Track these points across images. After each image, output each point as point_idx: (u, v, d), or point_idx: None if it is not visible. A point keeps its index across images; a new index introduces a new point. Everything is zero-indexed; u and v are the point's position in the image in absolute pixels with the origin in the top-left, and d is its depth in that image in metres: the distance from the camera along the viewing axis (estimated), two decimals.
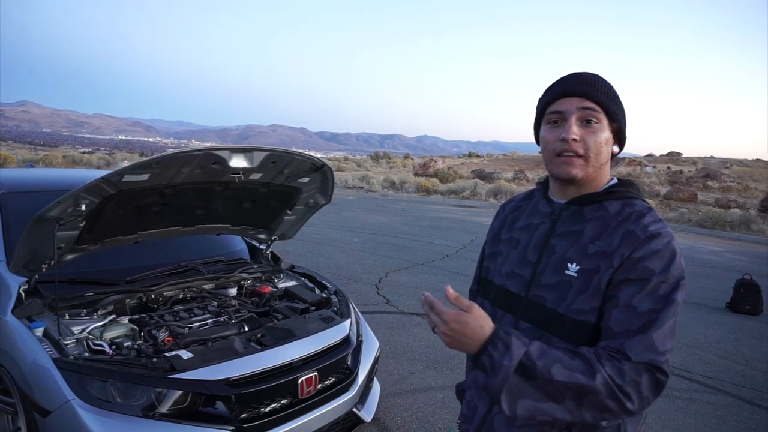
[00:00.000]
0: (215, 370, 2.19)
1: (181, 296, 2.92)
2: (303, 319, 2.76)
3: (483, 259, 1.46)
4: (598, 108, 1.17)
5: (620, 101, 1.22)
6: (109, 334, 2.43)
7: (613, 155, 1.23)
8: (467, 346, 1.08)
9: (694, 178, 29.22)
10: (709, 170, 31.48)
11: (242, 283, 3.24)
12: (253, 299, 3.10)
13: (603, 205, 1.20)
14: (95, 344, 2.30)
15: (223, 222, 3.20)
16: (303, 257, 7.51)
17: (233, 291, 3.17)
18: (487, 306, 1.34)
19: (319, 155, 3.51)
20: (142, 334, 2.49)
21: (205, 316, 2.72)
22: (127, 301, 2.69)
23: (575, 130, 1.16)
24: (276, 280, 3.39)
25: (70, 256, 2.59)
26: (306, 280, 3.49)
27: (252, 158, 2.58)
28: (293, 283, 3.41)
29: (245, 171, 2.64)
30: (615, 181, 1.26)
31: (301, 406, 2.41)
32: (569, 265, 1.17)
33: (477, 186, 23.40)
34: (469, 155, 52.07)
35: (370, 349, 3.00)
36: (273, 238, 3.51)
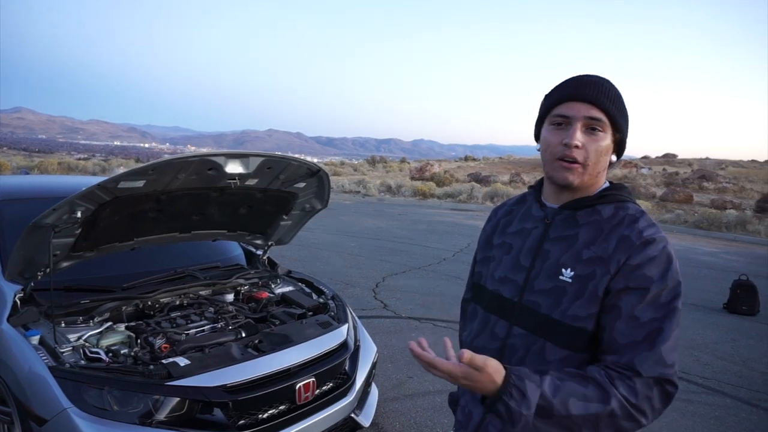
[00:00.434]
0: (212, 376, 2.18)
1: (177, 303, 2.91)
2: (300, 325, 2.76)
3: (475, 264, 1.45)
4: (604, 118, 1.15)
5: (626, 110, 1.21)
6: (105, 342, 2.42)
7: (611, 163, 1.23)
8: (477, 392, 1.08)
9: (689, 179, 29.33)
10: (705, 171, 31.60)
11: (239, 288, 3.23)
12: (250, 305, 3.09)
13: (596, 209, 1.20)
14: (92, 352, 2.29)
15: (220, 228, 3.20)
16: (300, 262, 7.50)
17: (230, 297, 3.16)
18: (480, 311, 1.34)
19: (315, 160, 3.51)
20: (138, 341, 2.48)
21: (202, 323, 2.71)
22: (124, 308, 2.68)
23: (579, 137, 1.15)
24: (273, 286, 3.38)
25: (65, 264, 2.58)
26: (303, 286, 3.48)
27: (248, 164, 2.58)
28: (290, 288, 3.41)
29: (241, 177, 2.63)
30: (607, 184, 1.26)
31: (298, 411, 2.40)
32: (564, 270, 1.17)
33: (473, 189, 23.42)
34: (466, 159, 52.16)
35: (368, 354, 3.00)
36: (269, 243, 3.50)
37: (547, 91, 1.26)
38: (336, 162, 51.28)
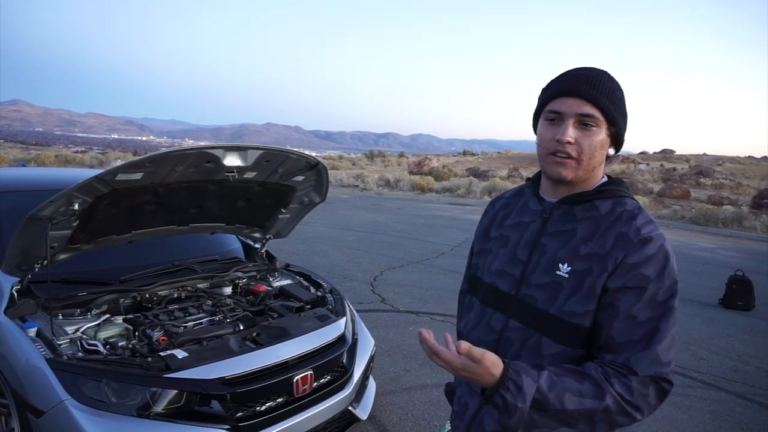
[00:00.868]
0: (210, 369, 2.19)
1: (175, 295, 2.91)
2: (298, 318, 2.76)
3: (472, 256, 1.46)
4: (597, 113, 1.14)
5: (623, 103, 1.19)
6: (103, 334, 2.42)
7: (609, 157, 1.22)
8: (475, 384, 1.11)
9: (687, 175, 29.37)
10: (702, 167, 31.65)
11: (237, 281, 3.23)
12: (248, 298, 3.09)
13: (594, 204, 1.20)
14: (89, 344, 2.29)
15: (218, 221, 3.19)
16: (298, 256, 7.50)
17: (228, 290, 3.16)
18: (477, 303, 1.34)
19: (313, 154, 3.50)
20: (136, 333, 2.48)
21: (199, 315, 2.71)
22: (121, 300, 2.68)
23: (571, 133, 1.14)
24: (271, 279, 3.38)
25: (63, 256, 2.57)
26: (301, 279, 3.48)
27: (246, 157, 2.57)
28: (288, 281, 3.41)
29: (239, 170, 2.63)
30: (605, 179, 1.25)
31: (296, 404, 2.41)
32: (560, 265, 1.17)
33: (472, 184, 23.42)
34: (464, 153, 52.13)
35: (366, 348, 3.00)
36: (268, 236, 3.50)
37: (544, 85, 1.25)
38: (334, 156, 51.20)
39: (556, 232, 1.21)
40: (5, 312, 2.33)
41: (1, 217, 2.92)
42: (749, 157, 47.04)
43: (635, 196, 1.26)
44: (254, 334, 2.53)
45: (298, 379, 2.40)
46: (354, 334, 2.96)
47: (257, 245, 3.65)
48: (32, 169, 4.60)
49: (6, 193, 3.15)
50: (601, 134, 1.16)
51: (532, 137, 1.28)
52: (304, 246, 8.41)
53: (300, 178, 2.97)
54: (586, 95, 1.14)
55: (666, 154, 46.92)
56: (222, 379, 2.19)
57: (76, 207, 2.27)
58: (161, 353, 2.25)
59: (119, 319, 2.56)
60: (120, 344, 2.37)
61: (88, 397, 2.03)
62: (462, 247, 9.52)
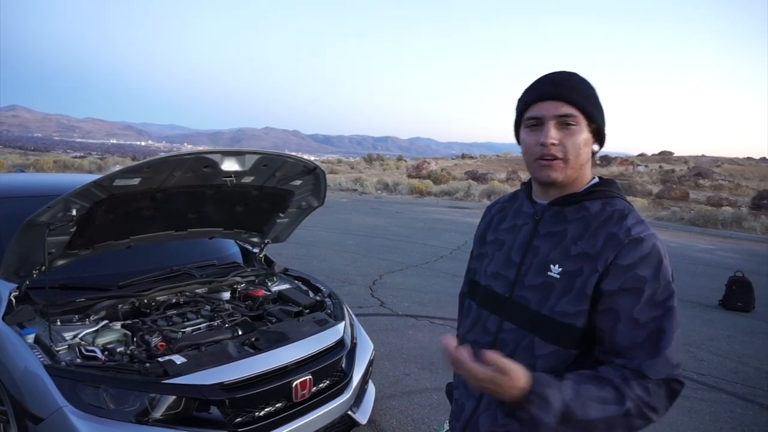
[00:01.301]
0: (209, 374, 2.18)
1: (174, 301, 2.90)
2: (297, 323, 2.75)
3: (471, 260, 1.48)
4: (575, 111, 1.16)
5: (597, 99, 1.21)
6: (101, 340, 2.41)
7: (594, 153, 1.24)
8: (498, 397, 1.07)
9: (686, 176, 29.41)
10: (701, 169, 31.70)
11: (235, 286, 3.22)
12: (246, 303, 3.08)
13: (584, 205, 1.21)
14: (87, 350, 2.28)
15: (216, 226, 3.19)
16: (296, 260, 7.50)
17: (226, 295, 3.15)
18: (474, 306, 1.36)
19: (312, 158, 3.50)
20: (134, 339, 2.47)
21: (198, 321, 2.71)
22: (120, 306, 2.67)
23: (553, 134, 1.16)
24: (269, 284, 3.37)
25: (61, 262, 2.57)
26: (300, 283, 3.48)
27: (244, 161, 2.57)
28: (287, 286, 3.40)
29: (237, 174, 2.63)
30: (596, 180, 1.27)
31: (295, 409, 2.40)
32: (552, 266, 1.18)
33: (470, 187, 23.44)
34: (463, 156, 52.17)
35: (365, 352, 3.00)
36: (266, 241, 3.50)
37: (518, 96, 1.28)
38: (333, 160, 51.21)
39: (548, 233, 1.23)
40: (3, 318, 2.32)
41: None
42: (748, 158, 47.12)
43: (635, 199, 1.27)
44: (253, 339, 2.52)
45: (297, 384, 2.39)
46: (353, 338, 2.95)
47: (256, 250, 3.65)
48: (30, 174, 4.60)
49: (4, 199, 3.15)
50: (583, 132, 1.18)
51: None
52: (303, 250, 8.41)
53: (298, 182, 2.97)
54: (562, 96, 1.16)
55: (665, 156, 47.01)
56: (221, 384, 2.18)
57: (74, 212, 2.26)
58: (159, 359, 2.25)
59: (117, 325, 2.56)
60: (118, 350, 2.37)
61: (87, 403, 2.02)
62: (461, 250, 9.52)
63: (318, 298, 3.25)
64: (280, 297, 3.20)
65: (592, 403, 1.05)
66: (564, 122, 1.16)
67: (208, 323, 2.70)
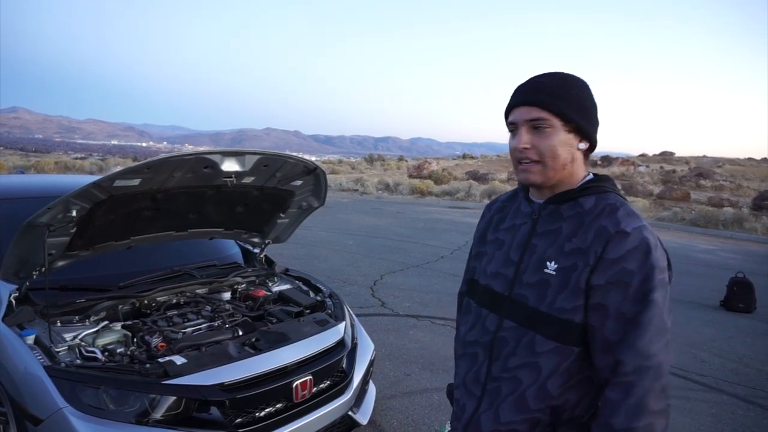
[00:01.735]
0: (209, 375, 2.18)
1: (174, 301, 2.90)
2: (297, 323, 2.75)
3: (470, 259, 1.49)
4: (544, 114, 1.18)
5: (579, 98, 1.21)
6: (101, 341, 2.41)
7: (588, 151, 1.25)
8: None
9: (687, 177, 29.38)
10: (702, 169, 31.66)
11: (236, 287, 3.22)
12: (247, 303, 3.08)
13: (578, 201, 1.22)
14: (87, 351, 2.28)
15: (216, 226, 3.19)
16: (297, 260, 7.49)
17: (227, 295, 3.15)
18: (473, 305, 1.37)
19: (313, 158, 3.50)
20: (135, 340, 2.47)
21: (198, 321, 2.70)
22: (120, 306, 2.67)
23: (525, 139, 1.20)
24: (270, 284, 3.37)
25: (61, 263, 2.56)
26: (300, 284, 3.47)
27: (244, 162, 2.57)
28: (287, 286, 3.40)
29: (237, 175, 2.63)
30: (591, 176, 1.28)
31: (296, 410, 2.40)
32: (548, 263, 1.20)
33: (471, 187, 23.42)
34: (464, 157, 52.15)
35: (366, 352, 2.99)
36: (266, 241, 3.50)
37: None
38: (334, 160, 51.22)
39: (545, 231, 1.25)
40: (3, 319, 2.32)
41: None
42: (749, 158, 47.09)
43: (636, 198, 1.28)
44: (253, 340, 2.52)
45: (297, 385, 2.39)
46: (353, 338, 2.95)
47: (256, 250, 3.65)
48: (30, 176, 4.61)
49: (4, 200, 3.15)
50: (558, 133, 1.19)
51: None
52: (304, 250, 8.41)
53: (298, 182, 2.97)
54: (530, 101, 1.20)
55: (666, 156, 46.97)
56: (221, 385, 2.18)
57: (74, 214, 2.26)
58: (160, 359, 2.25)
59: (118, 326, 2.56)
60: (118, 351, 2.37)
61: (87, 404, 2.02)
62: (462, 250, 9.52)
63: (318, 298, 3.24)
64: (281, 297, 3.19)
65: None
66: (535, 126, 1.20)
67: (208, 324, 2.70)
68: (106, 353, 2.33)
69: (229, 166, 2.53)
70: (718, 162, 42.11)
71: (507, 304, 1.26)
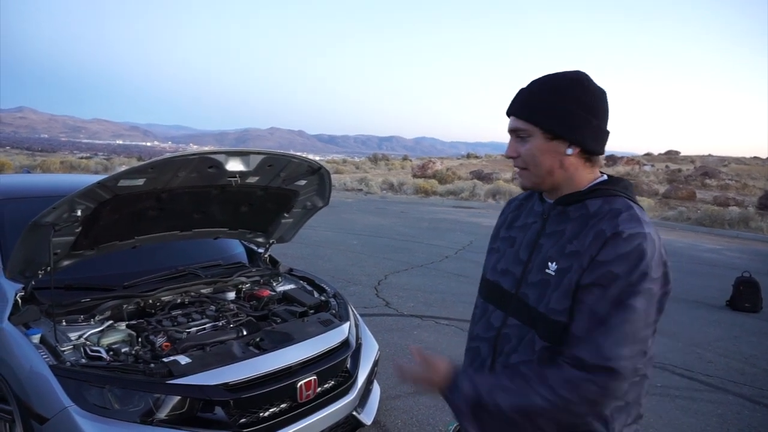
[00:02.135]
0: (213, 375, 2.18)
1: (179, 301, 2.91)
2: (302, 323, 2.75)
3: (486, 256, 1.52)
4: (521, 124, 1.24)
5: (558, 105, 1.19)
6: (106, 340, 2.42)
7: (590, 154, 1.23)
8: (431, 389, 1.25)
9: (692, 176, 29.25)
10: (708, 168, 31.51)
11: (240, 286, 3.22)
12: (251, 303, 3.08)
13: (585, 203, 1.22)
14: (92, 350, 2.29)
15: (221, 226, 3.19)
16: (302, 260, 7.50)
17: (231, 295, 3.15)
18: (480, 300, 1.41)
19: (317, 158, 3.50)
20: (139, 339, 2.48)
21: (203, 321, 2.71)
22: (125, 306, 2.68)
23: (511, 148, 1.28)
24: (274, 284, 3.37)
25: (66, 262, 2.57)
26: (304, 284, 3.47)
27: (248, 161, 2.57)
28: (292, 286, 3.40)
29: (242, 174, 2.63)
30: (604, 177, 1.27)
31: (300, 410, 2.40)
32: (549, 264, 1.21)
33: (476, 187, 23.39)
34: (468, 156, 52.08)
35: (370, 352, 2.99)
36: (271, 241, 3.50)
37: None
38: (338, 160, 51.24)
39: (553, 232, 1.26)
40: (9, 318, 2.33)
41: (4, 224, 2.92)
42: (755, 157, 46.81)
43: (641, 198, 1.27)
44: (257, 340, 2.52)
45: (301, 385, 2.39)
46: (358, 338, 2.95)
47: (260, 250, 3.65)
48: (36, 175, 4.62)
49: (10, 200, 3.16)
50: (536, 141, 1.23)
51: None
52: (308, 250, 8.41)
53: (302, 182, 2.97)
54: (514, 112, 1.26)
55: (671, 155, 46.76)
56: (225, 384, 2.18)
57: (79, 213, 2.27)
58: (164, 359, 2.25)
59: (122, 325, 2.56)
60: (123, 350, 2.37)
61: (92, 403, 2.02)
62: (466, 250, 9.50)
63: (323, 298, 3.24)
64: (285, 297, 3.20)
65: (500, 392, 1.14)
66: (517, 135, 1.26)
67: (212, 323, 2.70)
68: (111, 352, 2.34)
69: (234, 165, 2.53)
70: (724, 161, 41.90)
71: (513, 302, 1.27)
